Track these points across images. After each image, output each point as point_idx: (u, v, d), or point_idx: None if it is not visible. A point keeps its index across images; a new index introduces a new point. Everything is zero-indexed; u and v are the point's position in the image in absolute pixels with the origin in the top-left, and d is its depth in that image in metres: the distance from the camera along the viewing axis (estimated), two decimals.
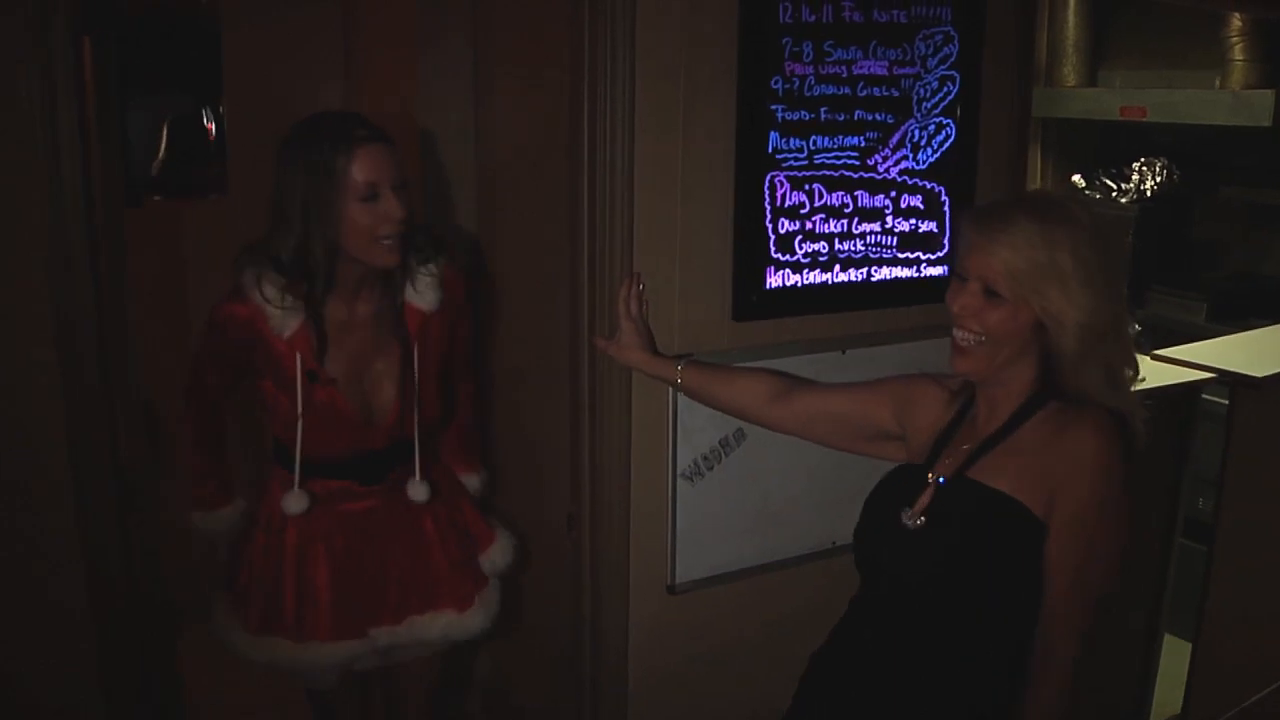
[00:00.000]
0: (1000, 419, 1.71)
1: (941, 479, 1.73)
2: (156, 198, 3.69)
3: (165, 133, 3.79)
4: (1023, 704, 1.69)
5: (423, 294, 2.21)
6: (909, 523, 1.72)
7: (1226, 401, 3.11)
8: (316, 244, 2.03)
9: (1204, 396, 3.14)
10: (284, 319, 2.07)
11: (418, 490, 2.29)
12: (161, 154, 3.76)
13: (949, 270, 1.82)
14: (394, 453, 2.28)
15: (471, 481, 2.56)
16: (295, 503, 2.19)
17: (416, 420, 2.24)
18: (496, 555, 2.45)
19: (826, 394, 2.05)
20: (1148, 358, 3.29)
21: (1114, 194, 4.86)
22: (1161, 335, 4.21)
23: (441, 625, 2.35)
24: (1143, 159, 4.85)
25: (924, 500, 1.72)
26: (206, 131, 3.80)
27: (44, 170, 1.77)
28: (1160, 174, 4.79)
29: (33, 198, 1.79)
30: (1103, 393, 1.65)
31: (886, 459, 1.93)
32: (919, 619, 1.72)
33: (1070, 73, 4.96)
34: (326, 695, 2.53)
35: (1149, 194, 4.78)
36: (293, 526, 2.25)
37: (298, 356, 2.09)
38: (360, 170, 2.00)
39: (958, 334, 1.70)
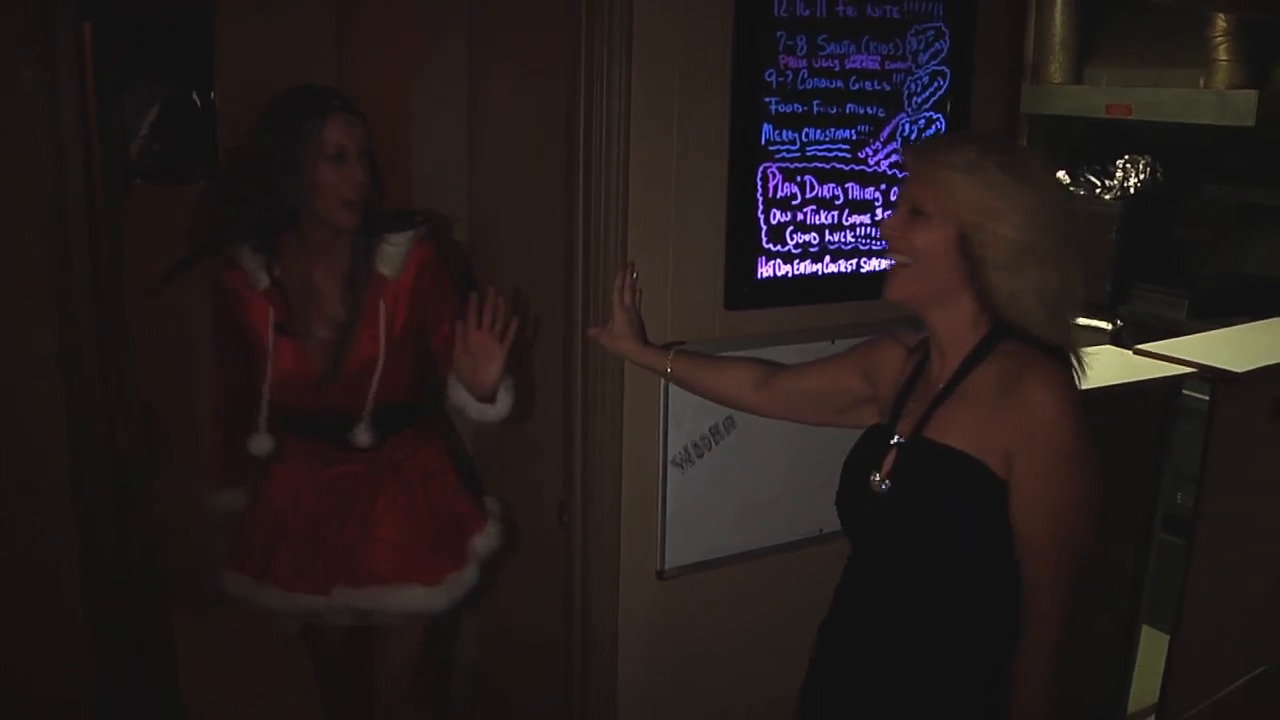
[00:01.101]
0: (950, 368, 1.68)
1: (902, 439, 1.71)
2: (137, 181, 3.68)
3: (154, 117, 3.79)
4: (1016, 659, 1.68)
5: (387, 262, 2.28)
6: (876, 486, 1.70)
7: (1207, 397, 3.14)
8: (282, 202, 2.17)
9: (1185, 392, 3.17)
10: (258, 274, 2.22)
11: (360, 435, 2.31)
12: (146, 137, 3.75)
13: None
14: (373, 420, 2.32)
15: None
16: (259, 444, 2.28)
17: (376, 381, 2.28)
18: (480, 543, 2.48)
19: (802, 372, 2.05)
20: (1129, 353, 3.33)
21: (1098, 191, 4.89)
22: (1144, 332, 4.26)
23: (402, 597, 2.35)
24: (1127, 156, 4.89)
25: (888, 462, 1.70)
26: (197, 117, 3.80)
27: (46, 157, 1.78)
28: (1144, 172, 4.83)
29: (34, 185, 1.80)
30: (1042, 325, 1.61)
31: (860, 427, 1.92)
32: (904, 579, 1.72)
33: (1057, 70, 4.99)
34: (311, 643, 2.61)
35: (1133, 191, 4.82)
36: (276, 477, 2.37)
37: (270, 310, 2.22)
38: (331, 133, 2.15)
39: (890, 259, 1.69)
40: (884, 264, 2.40)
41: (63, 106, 1.79)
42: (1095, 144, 5.06)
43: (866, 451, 1.77)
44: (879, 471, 1.70)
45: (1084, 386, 2.76)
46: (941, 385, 1.69)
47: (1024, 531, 1.62)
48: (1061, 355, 1.63)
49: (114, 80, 1.96)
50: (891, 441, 1.72)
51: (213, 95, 3.73)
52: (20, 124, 1.78)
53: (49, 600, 2.00)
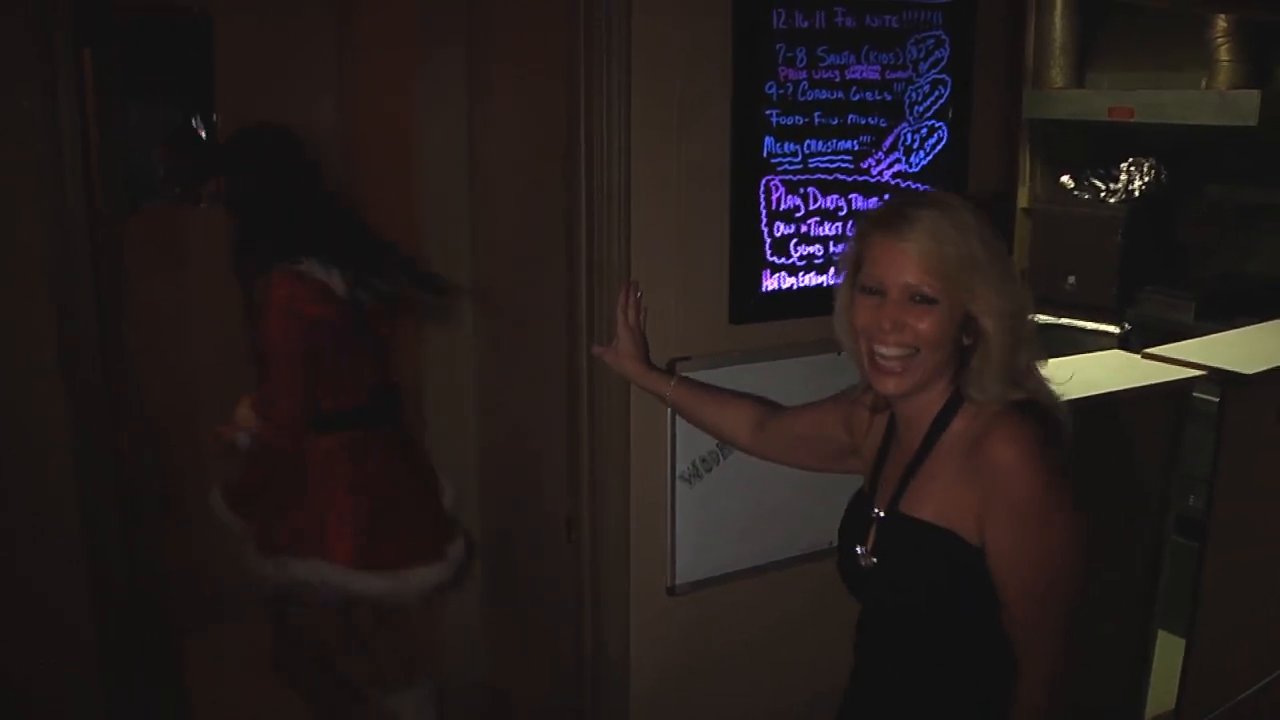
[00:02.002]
0: (917, 439, 1.64)
1: (881, 514, 1.68)
2: (148, 205, 3.69)
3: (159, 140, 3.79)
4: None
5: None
6: (864, 559, 1.69)
7: (1217, 399, 3.13)
8: None
9: (1195, 395, 3.16)
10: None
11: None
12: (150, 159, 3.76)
13: (843, 286, 1.66)
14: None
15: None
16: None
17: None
18: None
19: (795, 415, 2.01)
20: (1138, 356, 3.32)
21: (1102, 194, 4.88)
22: (1151, 334, 4.25)
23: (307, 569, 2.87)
24: (1131, 159, 4.88)
25: (871, 537, 1.69)
26: (199, 139, 3.80)
27: (48, 180, 1.79)
28: (1148, 174, 4.82)
29: (36, 207, 1.81)
30: (1021, 386, 1.56)
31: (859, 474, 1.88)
32: (902, 642, 1.72)
33: (1058, 74, 4.99)
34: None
35: (1137, 194, 4.81)
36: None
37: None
38: None
39: (883, 352, 1.58)
40: None
41: (63, 128, 1.80)
42: (1098, 147, 5.06)
43: (852, 522, 1.76)
44: (863, 545, 1.69)
45: (1093, 392, 2.76)
46: (911, 456, 1.65)
47: (1003, 588, 1.57)
48: (1025, 407, 1.57)
49: (114, 102, 1.95)
50: (872, 514, 1.70)
51: (214, 117, 3.73)
52: (23, 139, 1.80)
53: (51, 605, 2.00)
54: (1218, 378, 3.10)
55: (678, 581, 2.34)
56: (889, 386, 1.60)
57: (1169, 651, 3.30)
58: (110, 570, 2.00)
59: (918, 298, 1.54)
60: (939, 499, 1.59)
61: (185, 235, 3.81)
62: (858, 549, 1.69)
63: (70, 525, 1.96)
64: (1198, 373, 3.11)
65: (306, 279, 2.73)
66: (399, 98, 3.19)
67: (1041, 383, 1.60)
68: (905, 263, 1.53)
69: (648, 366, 2.15)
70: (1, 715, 2.04)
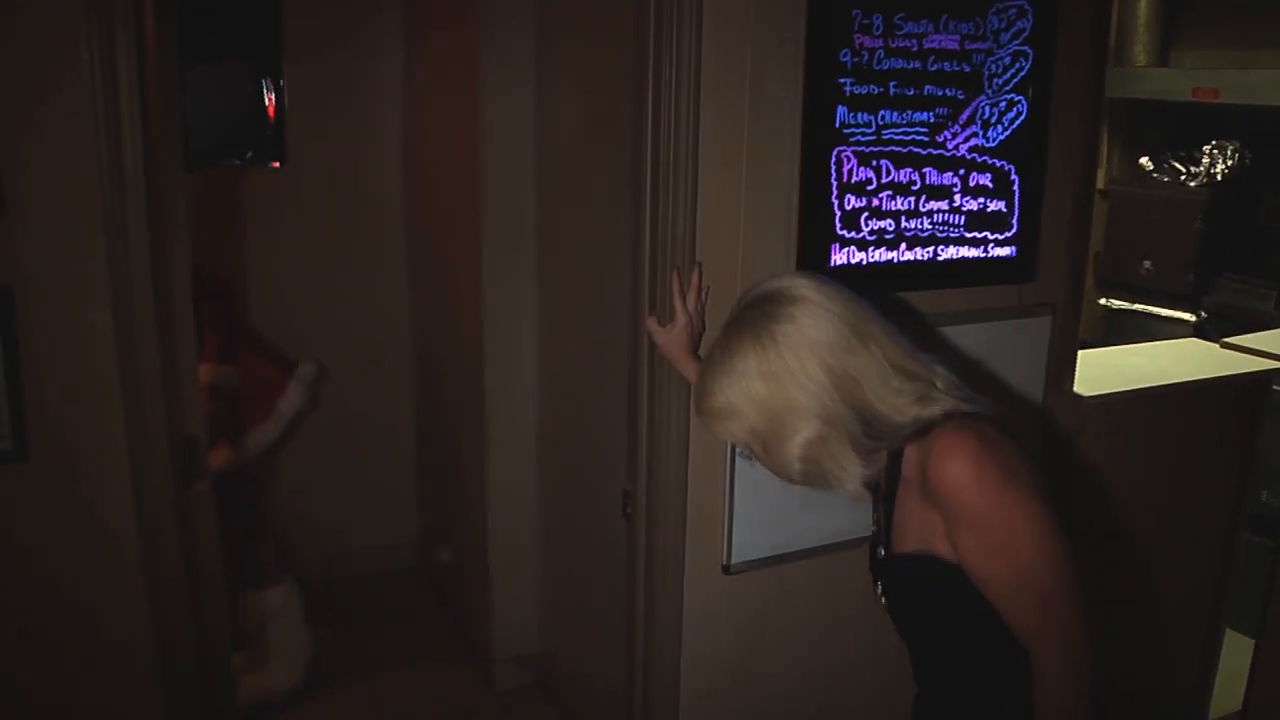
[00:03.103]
0: (884, 482, 1.65)
1: (882, 553, 1.71)
2: (214, 164, 3.71)
3: (224, 100, 3.80)
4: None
5: None
6: (879, 598, 1.73)
7: None
8: None
9: (1275, 387, 3.06)
10: None
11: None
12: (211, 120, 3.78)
13: None
14: None
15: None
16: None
17: None
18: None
19: None
20: (1215, 345, 3.22)
21: (1183, 177, 4.74)
22: (1228, 323, 4.13)
23: None
24: (1214, 142, 4.73)
25: (879, 577, 1.74)
26: (266, 100, 3.80)
27: (104, 139, 1.77)
28: (1231, 157, 4.67)
29: (93, 165, 1.80)
30: (920, 398, 1.53)
31: None
32: (930, 664, 1.74)
33: (1141, 52, 4.83)
34: None
35: (1219, 178, 4.66)
36: None
37: None
38: None
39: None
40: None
41: (121, 87, 1.78)
42: (1180, 129, 4.91)
43: (870, 561, 1.79)
44: (878, 583, 1.74)
45: (1166, 381, 2.68)
46: (885, 500, 1.66)
47: (995, 600, 1.53)
48: (955, 415, 1.53)
49: (176, 62, 1.93)
50: (878, 554, 1.73)
51: (281, 81, 3.73)
52: (81, 95, 1.77)
53: (104, 577, 2.01)
54: None
55: (734, 560, 2.30)
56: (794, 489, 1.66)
57: (1237, 652, 3.20)
58: (165, 544, 1.99)
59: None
60: (912, 529, 1.59)
61: (244, 195, 3.83)
62: (876, 585, 1.74)
63: (121, 494, 1.97)
64: (1277, 364, 3.00)
65: None
66: (465, 65, 3.16)
67: (953, 389, 1.56)
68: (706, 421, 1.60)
69: (694, 356, 2.10)
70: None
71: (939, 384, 1.56)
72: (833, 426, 1.51)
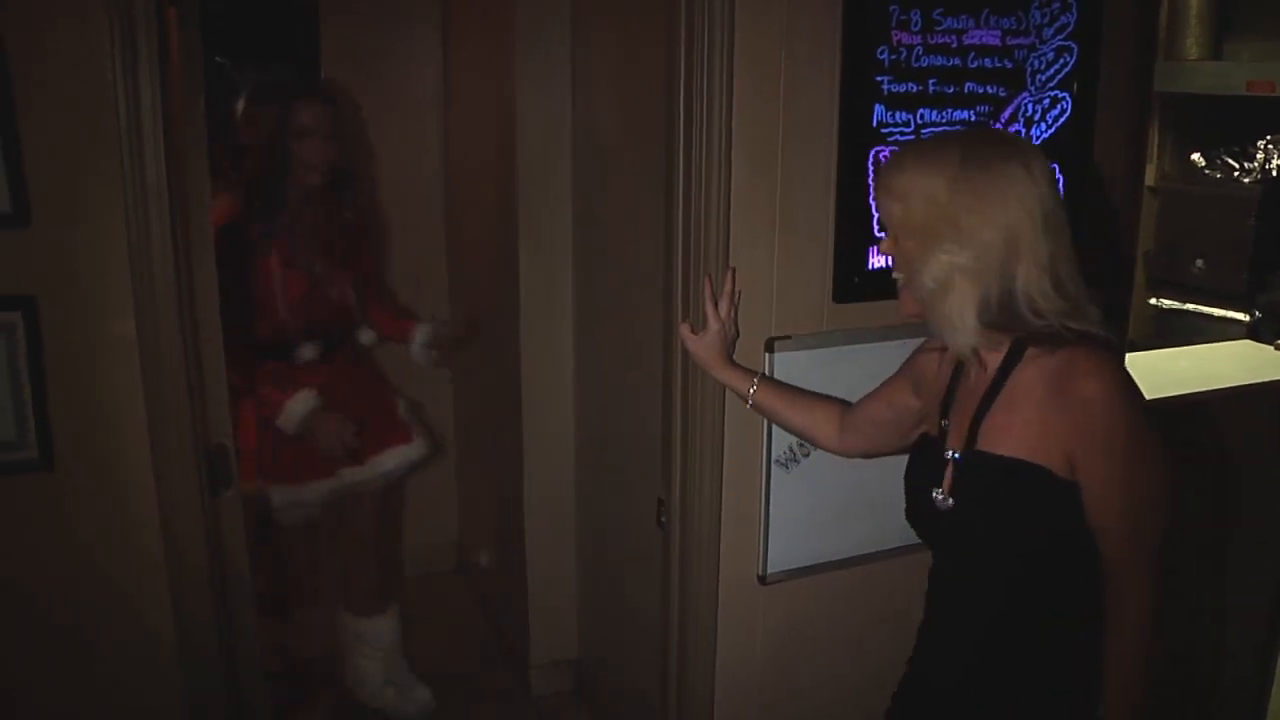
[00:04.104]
0: (989, 374, 1.64)
1: (957, 455, 1.67)
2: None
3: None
4: (1104, 657, 1.63)
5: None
6: (940, 505, 1.67)
7: None
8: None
9: None
10: None
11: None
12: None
13: None
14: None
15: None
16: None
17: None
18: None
19: (868, 404, 1.99)
20: (1270, 348, 3.14)
21: (1236, 174, 4.63)
22: None
23: (397, 457, 3.15)
24: (1269, 137, 4.61)
25: (947, 479, 1.67)
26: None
27: (127, 149, 1.77)
28: None
29: (116, 176, 1.80)
30: (1054, 308, 1.55)
31: None
32: (986, 587, 1.69)
33: (1193, 45, 4.72)
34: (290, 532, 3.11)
35: (1274, 174, 4.55)
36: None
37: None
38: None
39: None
40: None
41: (143, 97, 1.77)
42: (1234, 124, 4.79)
43: (924, 466, 1.74)
44: (940, 488, 1.67)
45: (1220, 385, 2.62)
46: (981, 394, 1.65)
47: (1101, 526, 1.58)
48: (1093, 339, 1.56)
49: (203, 64, 1.92)
50: (946, 456, 1.68)
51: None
52: (103, 116, 1.77)
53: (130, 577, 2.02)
54: None
55: (769, 570, 2.26)
56: (899, 310, 1.66)
57: None
58: (193, 550, 1.99)
59: (893, 234, 1.61)
60: (1021, 434, 1.58)
61: None
62: (935, 493, 1.67)
63: (147, 502, 1.96)
64: None
65: None
66: (500, 66, 3.15)
67: (1099, 323, 1.58)
68: (879, 202, 1.64)
69: (728, 363, 2.09)
70: None
71: (1090, 313, 1.57)
72: (978, 273, 1.53)
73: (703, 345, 2.08)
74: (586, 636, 3.41)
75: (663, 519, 2.30)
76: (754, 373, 2.08)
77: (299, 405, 2.93)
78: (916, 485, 1.74)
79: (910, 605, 1.87)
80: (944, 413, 1.72)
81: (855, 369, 2.15)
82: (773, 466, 2.21)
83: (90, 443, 1.89)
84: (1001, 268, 1.53)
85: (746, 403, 2.07)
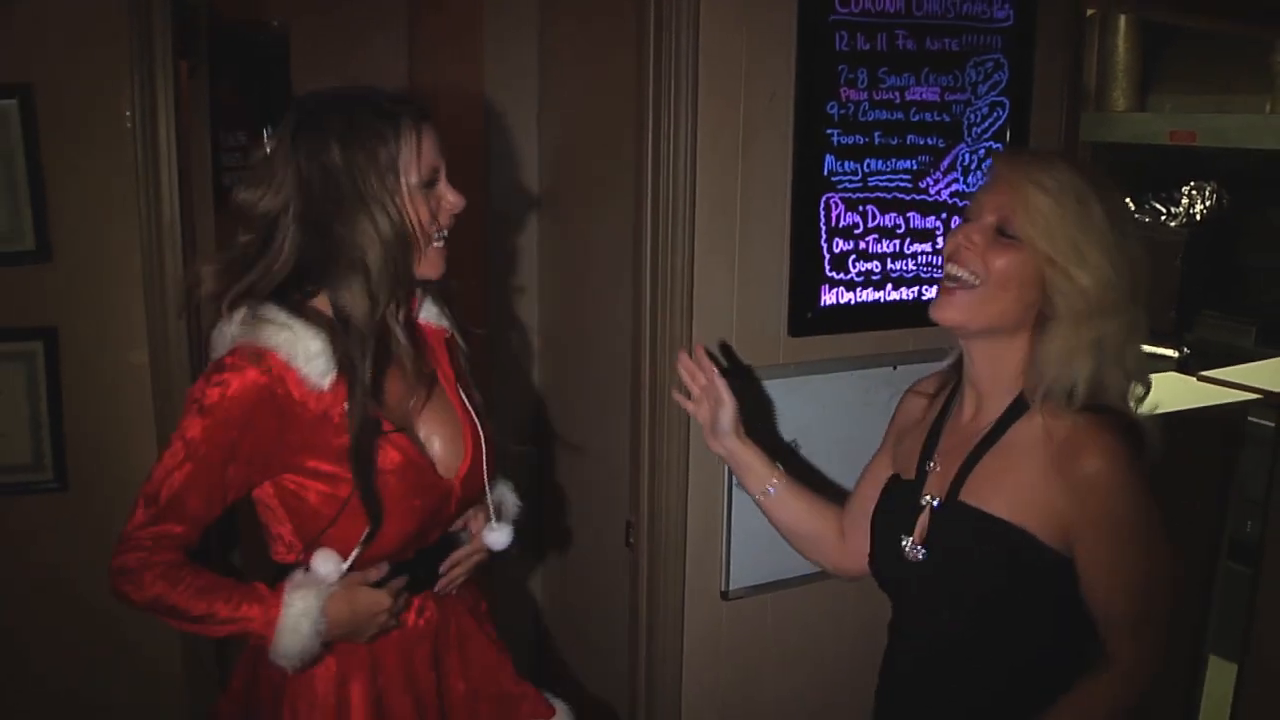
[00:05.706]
0: (988, 419, 1.52)
1: (936, 502, 1.55)
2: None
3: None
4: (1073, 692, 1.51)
5: (428, 309, 1.72)
6: (911, 553, 1.55)
7: (1274, 423, 3.12)
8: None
9: (1251, 419, 3.16)
10: (319, 363, 1.50)
11: (500, 535, 1.75)
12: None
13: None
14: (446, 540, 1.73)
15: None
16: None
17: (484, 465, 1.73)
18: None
19: (857, 492, 1.79)
20: (1194, 379, 3.32)
21: (1163, 218, 4.87)
22: (1209, 359, 4.22)
23: None
24: (1192, 183, 4.86)
25: (921, 527, 1.55)
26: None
27: (145, 190, 1.89)
28: (1210, 198, 4.81)
29: (133, 215, 1.92)
30: (1092, 383, 1.45)
31: None
32: (946, 647, 1.58)
33: (1120, 97, 4.99)
34: None
35: (1198, 218, 4.79)
36: (329, 660, 1.61)
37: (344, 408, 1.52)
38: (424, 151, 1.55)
39: (950, 271, 1.49)
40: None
41: (161, 142, 1.90)
42: (1159, 171, 5.04)
43: (895, 510, 1.61)
44: (910, 536, 1.56)
45: (1146, 412, 2.77)
46: (978, 439, 1.53)
47: (1101, 608, 1.49)
48: (1106, 411, 1.47)
49: (207, 109, 2.06)
50: (923, 502, 1.57)
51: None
52: (122, 159, 1.90)
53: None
54: (1275, 401, 3.10)
55: (732, 586, 2.39)
56: (941, 312, 1.51)
57: (1221, 677, 3.28)
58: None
59: (1002, 231, 1.47)
60: (1012, 494, 1.47)
61: None
62: (903, 541, 1.55)
63: None
64: (1254, 396, 3.11)
65: None
66: (468, 106, 3.23)
67: (1126, 399, 1.51)
68: (1008, 195, 1.46)
69: (747, 441, 1.79)
70: None
71: (1133, 390, 1.50)
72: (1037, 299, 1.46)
73: (721, 434, 1.78)
74: (553, 656, 3.47)
75: (631, 540, 2.43)
76: (775, 465, 1.81)
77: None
78: (884, 528, 1.61)
79: (870, 620, 1.93)
80: (924, 457, 1.61)
81: (809, 398, 2.31)
82: (735, 488, 2.32)
83: (103, 466, 1.99)
84: (1095, 319, 1.45)
85: (764, 493, 1.80)
